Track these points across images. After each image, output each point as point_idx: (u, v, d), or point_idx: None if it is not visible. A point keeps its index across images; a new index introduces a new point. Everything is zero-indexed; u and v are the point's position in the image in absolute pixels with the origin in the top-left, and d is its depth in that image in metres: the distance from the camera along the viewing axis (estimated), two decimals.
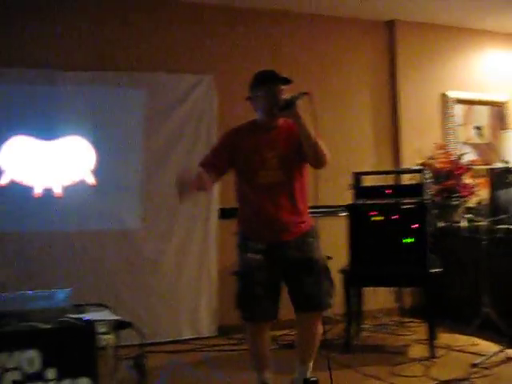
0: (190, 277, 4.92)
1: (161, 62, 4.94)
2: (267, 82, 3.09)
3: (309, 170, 3.20)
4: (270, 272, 3.10)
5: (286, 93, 3.03)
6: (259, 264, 3.08)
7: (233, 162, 3.16)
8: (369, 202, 4.29)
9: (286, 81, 3.09)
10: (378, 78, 5.77)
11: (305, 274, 3.10)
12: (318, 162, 3.03)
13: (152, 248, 4.82)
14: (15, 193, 4.52)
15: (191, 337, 4.88)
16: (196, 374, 3.97)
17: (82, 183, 4.68)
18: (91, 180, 4.69)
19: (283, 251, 3.11)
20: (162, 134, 4.87)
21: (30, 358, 2.44)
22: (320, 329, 3.22)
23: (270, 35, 5.37)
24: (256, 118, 3.19)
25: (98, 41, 4.81)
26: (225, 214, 5.00)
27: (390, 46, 5.84)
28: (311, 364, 3.22)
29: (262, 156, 3.08)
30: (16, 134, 4.53)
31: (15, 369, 2.44)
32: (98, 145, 4.72)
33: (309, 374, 3.20)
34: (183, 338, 4.85)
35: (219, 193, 4.97)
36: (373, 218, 4.16)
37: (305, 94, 2.93)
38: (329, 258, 3.46)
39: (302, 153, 3.05)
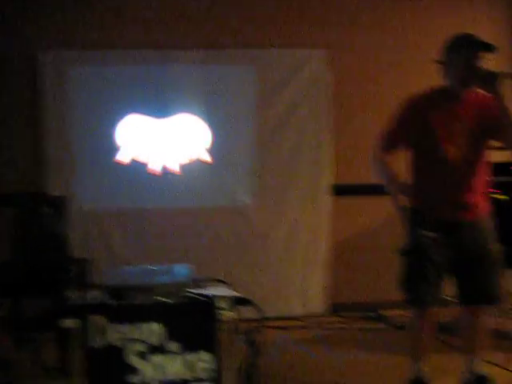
0: (301, 253, 4.92)
1: (272, 38, 4.89)
2: (469, 46, 2.78)
3: None
4: (442, 253, 2.85)
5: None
6: (433, 242, 2.82)
7: (414, 134, 2.92)
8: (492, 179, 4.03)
9: (491, 48, 2.77)
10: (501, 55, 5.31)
11: (478, 263, 2.88)
12: None
13: (264, 224, 4.86)
14: (134, 170, 4.71)
15: (302, 314, 4.89)
16: (307, 351, 3.97)
17: (198, 161, 4.78)
18: (207, 157, 4.78)
19: (459, 233, 2.87)
20: (274, 111, 4.86)
21: (153, 331, 2.52)
22: (487, 319, 3.05)
23: (386, 9, 5.10)
24: (441, 84, 2.92)
25: (209, 20, 4.84)
26: (338, 190, 4.94)
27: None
28: (481, 357, 3.05)
29: (450, 129, 2.84)
30: (131, 112, 4.70)
31: (140, 340, 2.53)
32: (211, 123, 4.80)
33: (481, 369, 3.02)
34: (294, 314, 4.86)
35: (333, 169, 4.91)
36: (495, 196, 3.90)
37: None
38: None
39: (493, 132, 2.83)
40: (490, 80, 2.70)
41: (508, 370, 3.45)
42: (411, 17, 5.15)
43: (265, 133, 4.86)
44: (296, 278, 4.91)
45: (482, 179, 2.94)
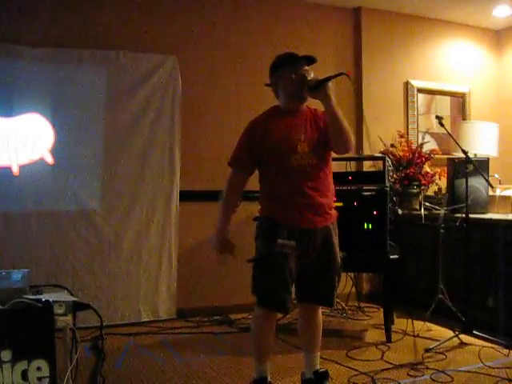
0: (149, 259, 4.87)
1: (124, 41, 4.83)
2: (293, 62, 2.95)
3: None
4: (297, 260, 2.93)
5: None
6: (291, 251, 2.87)
7: (262, 151, 2.96)
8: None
9: (312, 60, 2.96)
10: (342, 65, 5.72)
11: (325, 268, 3.00)
12: (343, 146, 2.93)
13: (111, 229, 4.75)
14: None
15: (150, 319, 4.84)
16: (154, 357, 3.95)
17: (40, 162, 4.56)
18: (49, 159, 4.58)
19: (312, 239, 2.93)
20: (123, 114, 4.78)
21: None
22: (321, 318, 3.20)
23: (235, 19, 5.32)
24: (276, 104, 3.08)
25: (61, 16, 4.68)
26: (185, 196, 4.99)
27: (355, 32, 5.86)
28: (319, 354, 3.18)
29: (292, 139, 2.92)
30: None
31: None
32: (57, 123, 4.60)
33: (318, 365, 3.16)
34: (142, 320, 4.81)
35: (180, 175, 4.95)
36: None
37: (343, 74, 2.83)
38: None
39: (328, 138, 2.96)
40: (317, 88, 2.85)
41: (342, 365, 3.68)
42: (261, 27, 5.42)
43: (114, 136, 4.76)
44: (144, 283, 4.85)
45: (330, 187, 3.07)
